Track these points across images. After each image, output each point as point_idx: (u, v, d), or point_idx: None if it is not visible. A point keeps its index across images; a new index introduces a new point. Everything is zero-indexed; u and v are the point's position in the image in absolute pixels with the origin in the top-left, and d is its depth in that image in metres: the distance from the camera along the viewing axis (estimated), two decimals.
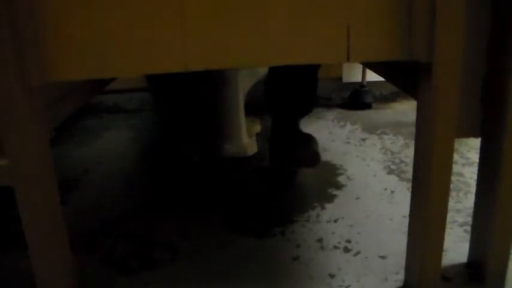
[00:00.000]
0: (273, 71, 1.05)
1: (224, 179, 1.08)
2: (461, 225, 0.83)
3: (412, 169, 0.63)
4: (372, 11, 0.53)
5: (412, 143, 1.22)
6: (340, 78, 1.71)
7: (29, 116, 0.52)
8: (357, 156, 1.18)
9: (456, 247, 0.76)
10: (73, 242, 0.62)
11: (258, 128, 1.35)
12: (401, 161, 1.13)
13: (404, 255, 0.67)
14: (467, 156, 1.13)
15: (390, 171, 1.08)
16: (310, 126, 1.39)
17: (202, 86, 1.12)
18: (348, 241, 0.80)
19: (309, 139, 1.03)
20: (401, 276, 0.69)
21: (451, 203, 0.89)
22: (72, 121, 1.56)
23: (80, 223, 0.89)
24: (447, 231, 0.61)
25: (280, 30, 0.53)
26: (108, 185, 1.06)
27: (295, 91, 1.02)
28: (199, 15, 0.51)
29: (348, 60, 0.54)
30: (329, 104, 1.64)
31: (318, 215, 0.89)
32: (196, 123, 1.15)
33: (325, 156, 1.15)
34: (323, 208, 0.92)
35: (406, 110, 1.56)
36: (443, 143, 0.57)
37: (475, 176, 0.67)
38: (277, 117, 1.07)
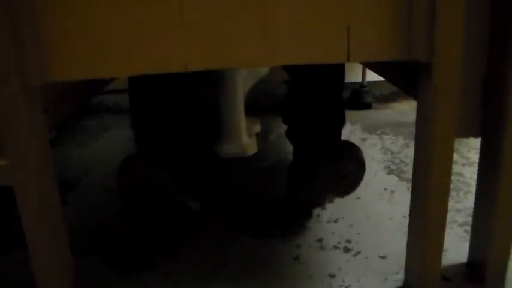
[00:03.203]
0: (293, 84, 0.94)
1: (224, 179, 1.08)
2: (461, 225, 0.83)
3: (412, 169, 0.63)
4: (372, 11, 0.53)
5: (412, 143, 1.22)
6: None
7: (29, 116, 0.52)
8: None
9: (456, 247, 0.76)
10: (73, 242, 0.62)
11: (258, 128, 1.35)
12: (401, 161, 1.13)
13: (404, 255, 0.67)
14: (467, 156, 1.13)
15: (390, 171, 1.08)
16: None
17: (202, 87, 1.12)
18: (348, 241, 0.80)
19: (327, 173, 0.81)
20: (401, 276, 0.69)
21: (451, 203, 0.89)
22: (72, 121, 1.56)
23: (80, 223, 0.89)
24: (447, 231, 0.61)
25: (280, 30, 0.53)
26: (108, 185, 1.05)
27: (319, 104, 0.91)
28: (199, 15, 0.51)
29: (348, 60, 0.54)
30: None
31: (318, 215, 0.89)
32: (196, 127, 1.12)
33: None
34: (323, 208, 0.92)
35: (406, 110, 1.56)
36: (443, 143, 0.57)
37: (475, 176, 0.67)
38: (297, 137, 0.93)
